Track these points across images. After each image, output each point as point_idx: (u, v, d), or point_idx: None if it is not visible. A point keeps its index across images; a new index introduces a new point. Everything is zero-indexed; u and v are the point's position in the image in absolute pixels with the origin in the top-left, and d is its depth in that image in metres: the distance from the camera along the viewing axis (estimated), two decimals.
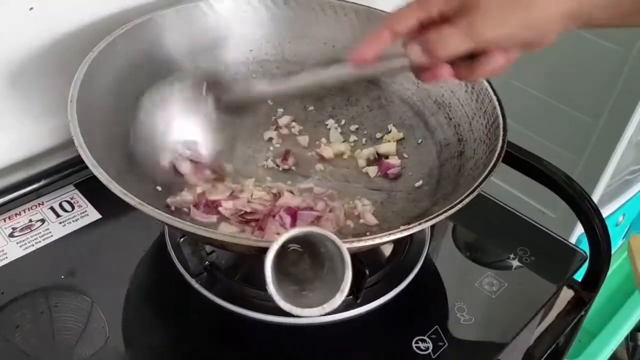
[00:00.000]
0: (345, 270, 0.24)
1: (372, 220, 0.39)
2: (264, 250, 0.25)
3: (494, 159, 0.35)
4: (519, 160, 0.48)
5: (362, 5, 0.48)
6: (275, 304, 0.34)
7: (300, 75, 0.32)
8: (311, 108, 0.49)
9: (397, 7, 0.30)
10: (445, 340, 0.36)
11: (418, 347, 0.36)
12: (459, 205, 0.31)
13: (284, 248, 0.25)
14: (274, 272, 0.24)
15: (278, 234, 0.33)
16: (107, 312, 0.36)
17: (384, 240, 0.29)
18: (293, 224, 0.37)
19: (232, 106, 0.38)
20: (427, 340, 0.36)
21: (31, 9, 0.40)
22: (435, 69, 0.29)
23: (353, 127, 0.48)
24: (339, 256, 0.25)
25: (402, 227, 0.30)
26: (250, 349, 0.36)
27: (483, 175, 0.34)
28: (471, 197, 0.32)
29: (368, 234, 0.38)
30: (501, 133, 0.38)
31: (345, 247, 0.24)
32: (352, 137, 0.47)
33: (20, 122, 0.44)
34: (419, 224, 0.30)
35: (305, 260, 0.29)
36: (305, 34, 0.48)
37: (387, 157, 0.46)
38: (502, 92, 0.41)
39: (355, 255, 0.26)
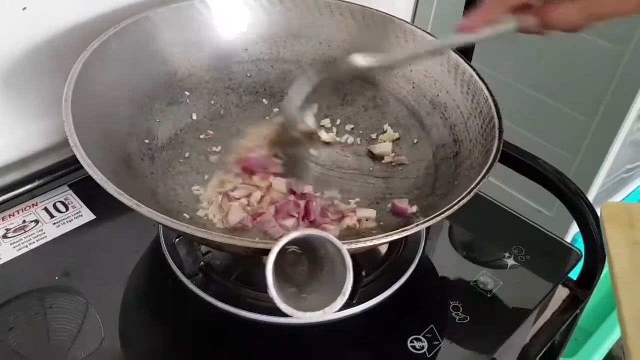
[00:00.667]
0: (346, 274, 0.24)
1: (370, 223, 0.39)
2: (261, 251, 0.25)
3: (490, 160, 0.35)
4: (515, 159, 0.48)
5: (358, 4, 0.48)
6: (271, 305, 0.34)
7: (405, 49, 0.35)
8: None
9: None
10: (440, 340, 0.36)
11: (413, 347, 0.36)
12: (456, 207, 0.31)
13: (282, 250, 0.25)
14: (274, 275, 0.24)
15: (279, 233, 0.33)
16: (102, 314, 0.36)
17: (382, 242, 0.29)
18: (306, 214, 0.37)
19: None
20: (423, 339, 0.36)
21: (24, 9, 0.40)
22: (543, 33, 0.32)
23: (349, 127, 0.48)
24: (339, 259, 0.25)
25: (399, 229, 0.30)
26: (246, 350, 0.36)
27: (480, 177, 0.34)
28: (468, 198, 0.32)
29: (364, 234, 0.38)
30: (497, 134, 0.38)
31: (346, 250, 0.24)
32: (348, 137, 0.47)
33: (14, 122, 0.44)
34: (417, 225, 0.30)
35: (304, 262, 0.29)
36: (301, 34, 0.48)
37: (382, 158, 0.45)
38: (497, 91, 0.41)
39: (352, 256, 0.26)
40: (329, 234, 0.25)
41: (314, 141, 0.41)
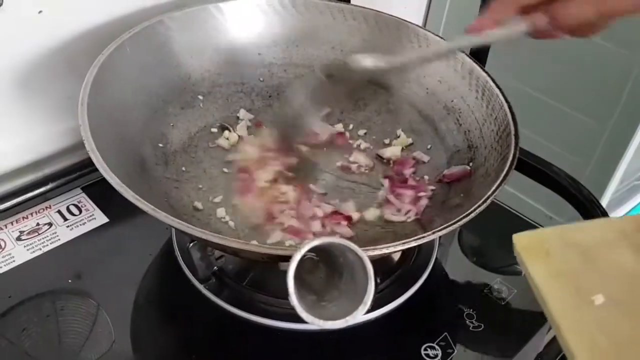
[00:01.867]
0: (368, 282, 0.24)
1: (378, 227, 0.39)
2: (279, 257, 0.25)
3: (507, 167, 0.35)
4: (528, 164, 0.48)
5: (370, 9, 0.48)
6: (283, 310, 0.34)
7: (413, 51, 0.34)
8: None
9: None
10: (454, 347, 0.36)
11: (427, 355, 0.35)
12: (473, 214, 0.31)
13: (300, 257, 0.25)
14: (295, 283, 0.24)
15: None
16: (113, 316, 0.36)
17: (399, 249, 0.29)
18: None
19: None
20: (436, 347, 0.36)
21: (40, 12, 0.40)
22: (555, 33, 0.31)
23: (361, 132, 0.48)
24: (360, 267, 0.24)
25: (415, 237, 0.30)
26: (258, 355, 0.35)
27: (496, 184, 0.33)
28: (485, 205, 0.32)
29: (377, 239, 0.38)
30: (513, 140, 0.37)
31: (368, 259, 0.24)
32: (361, 142, 0.47)
33: (28, 125, 0.44)
34: (434, 232, 0.30)
35: (321, 269, 0.29)
36: (313, 38, 0.48)
37: (390, 161, 0.45)
38: (509, 95, 0.41)
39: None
40: (350, 241, 0.25)
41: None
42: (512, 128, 0.38)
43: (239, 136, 0.46)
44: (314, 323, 0.24)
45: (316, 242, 0.24)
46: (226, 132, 0.46)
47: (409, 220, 0.40)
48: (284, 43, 0.48)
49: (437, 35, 0.46)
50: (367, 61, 0.33)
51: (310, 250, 0.24)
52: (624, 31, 0.61)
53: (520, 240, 0.25)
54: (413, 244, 0.29)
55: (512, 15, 0.31)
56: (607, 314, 0.22)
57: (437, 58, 0.39)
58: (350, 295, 0.25)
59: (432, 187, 0.42)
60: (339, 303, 0.26)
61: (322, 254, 0.27)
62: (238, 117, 0.47)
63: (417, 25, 0.47)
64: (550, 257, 0.24)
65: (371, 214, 0.41)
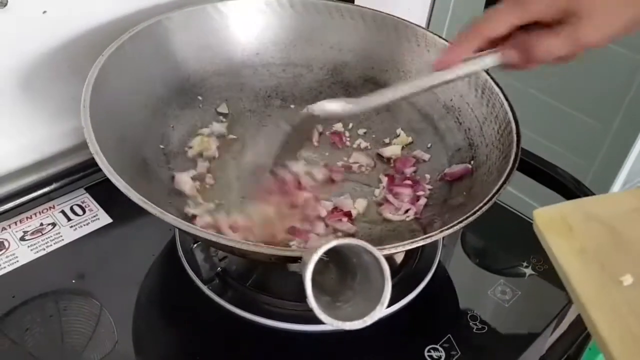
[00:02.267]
0: (384, 283, 0.24)
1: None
2: (286, 258, 0.25)
3: (509, 165, 0.35)
4: (531, 166, 0.48)
5: (368, 8, 0.48)
6: (286, 311, 0.33)
7: (381, 92, 0.32)
8: None
9: (488, 10, 0.29)
10: (457, 350, 0.36)
11: (430, 356, 0.35)
12: (478, 213, 0.31)
13: None
14: (313, 285, 0.24)
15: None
16: (116, 317, 0.36)
17: (406, 248, 0.29)
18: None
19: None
20: (440, 349, 0.36)
21: (44, 12, 0.40)
22: (526, 66, 0.30)
23: (361, 131, 0.48)
24: (376, 267, 0.24)
25: (423, 236, 0.30)
26: (261, 356, 0.35)
27: (500, 183, 0.33)
28: (489, 205, 0.32)
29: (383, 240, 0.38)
30: (515, 139, 0.37)
31: (384, 259, 0.24)
32: (361, 142, 0.47)
33: (32, 125, 0.44)
34: (441, 231, 0.30)
35: (331, 270, 0.29)
36: (311, 38, 0.49)
37: (390, 160, 0.45)
38: (512, 97, 0.41)
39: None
40: (365, 242, 0.25)
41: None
42: (514, 126, 0.38)
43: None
44: (332, 324, 0.24)
45: (334, 244, 0.24)
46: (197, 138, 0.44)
47: (407, 219, 0.40)
48: (283, 43, 0.48)
49: (436, 35, 0.46)
50: (332, 106, 0.32)
51: (326, 252, 0.24)
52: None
53: (541, 215, 0.23)
54: (421, 242, 0.29)
55: (479, 49, 0.30)
56: (638, 296, 0.21)
57: (405, 98, 0.34)
58: (365, 295, 0.25)
59: (430, 187, 0.42)
60: (354, 303, 0.26)
61: (333, 254, 0.27)
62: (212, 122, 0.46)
63: (416, 25, 0.47)
64: (573, 233, 0.23)
65: (370, 211, 0.40)
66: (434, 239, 0.30)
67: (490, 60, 0.30)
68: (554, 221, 0.23)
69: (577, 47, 0.28)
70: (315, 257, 0.24)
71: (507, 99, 0.40)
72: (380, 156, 0.46)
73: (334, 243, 0.24)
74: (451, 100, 0.45)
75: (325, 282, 0.28)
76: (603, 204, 0.24)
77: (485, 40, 0.29)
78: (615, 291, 0.21)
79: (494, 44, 0.30)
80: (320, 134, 0.48)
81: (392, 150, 0.45)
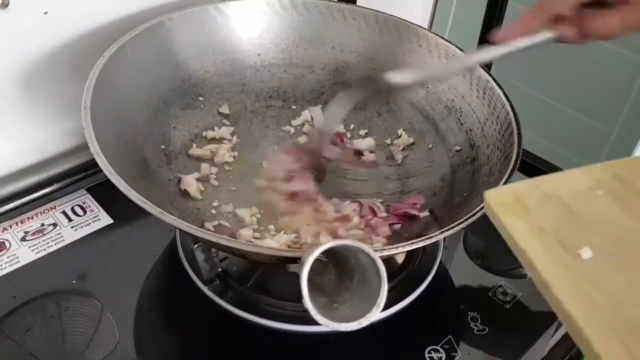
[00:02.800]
0: (381, 284, 0.24)
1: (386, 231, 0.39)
2: (286, 259, 0.25)
3: (510, 166, 0.35)
4: (534, 168, 0.48)
5: (370, 9, 0.48)
6: (287, 312, 0.33)
7: (439, 65, 0.33)
8: None
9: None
10: (458, 351, 0.36)
11: (431, 357, 0.35)
12: (479, 214, 0.31)
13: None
14: (308, 285, 0.24)
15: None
16: (117, 317, 0.36)
17: (406, 249, 0.29)
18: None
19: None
20: (440, 350, 0.36)
21: (46, 13, 0.40)
22: (580, 40, 0.31)
23: (362, 132, 0.48)
24: (372, 269, 0.24)
25: (421, 237, 0.29)
26: (262, 357, 0.35)
27: (501, 183, 0.33)
28: None
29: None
30: (516, 139, 0.37)
31: (380, 261, 0.24)
32: (362, 143, 0.47)
33: (33, 125, 0.45)
34: (442, 232, 0.30)
35: (330, 271, 0.28)
36: (313, 38, 0.49)
37: (362, 153, 0.45)
38: (514, 98, 0.41)
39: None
40: (362, 243, 0.24)
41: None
42: (515, 127, 0.38)
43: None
44: (327, 325, 0.24)
45: (329, 245, 0.24)
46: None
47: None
48: (284, 44, 0.48)
49: (438, 36, 0.46)
50: (399, 78, 0.33)
51: (321, 253, 0.24)
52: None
53: (494, 195, 0.23)
54: (421, 244, 0.29)
55: (543, 25, 0.31)
56: (598, 269, 0.21)
57: (465, 71, 0.37)
58: (362, 297, 0.25)
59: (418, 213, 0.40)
60: (351, 305, 0.26)
61: (332, 255, 0.27)
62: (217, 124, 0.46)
63: (418, 25, 0.47)
64: (528, 212, 0.22)
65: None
66: (434, 239, 0.30)
67: (546, 35, 0.31)
68: (508, 201, 0.23)
69: (632, 27, 0.29)
70: (311, 258, 0.24)
71: (508, 100, 0.40)
72: (357, 151, 0.45)
73: (330, 244, 0.24)
74: (453, 100, 0.45)
75: (325, 283, 0.28)
76: (557, 183, 0.24)
77: (550, 16, 0.31)
78: (575, 266, 0.21)
79: (556, 20, 0.31)
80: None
81: (366, 143, 0.45)
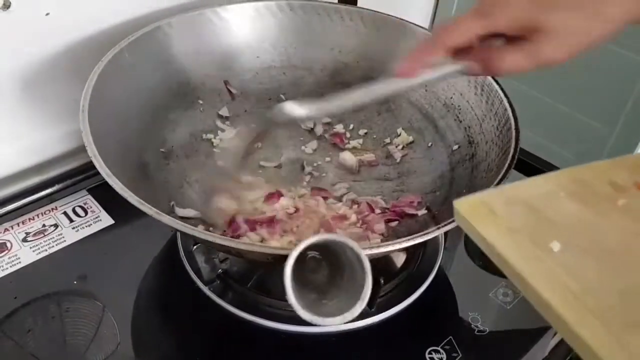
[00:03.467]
0: (365, 278, 0.24)
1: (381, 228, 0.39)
2: (282, 258, 0.25)
3: (508, 160, 0.35)
4: (532, 167, 0.48)
5: (367, 9, 0.48)
6: (287, 313, 0.33)
7: (345, 95, 0.32)
8: None
9: (452, 18, 0.29)
10: (459, 352, 0.35)
11: (431, 358, 0.35)
12: None
13: (302, 256, 0.25)
14: (293, 281, 0.24)
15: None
16: (118, 318, 0.36)
17: (398, 247, 0.29)
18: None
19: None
20: (441, 351, 0.35)
21: (47, 14, 0.40)
22: (487, 75, 0.31)
23: (362, 132, 0.48)
24: (358, 264, 0.24)
25: (415, 234, 0.29)
26: (262, 358, 0.35)
27: (498, 178, 0.33)
28: None
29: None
30: (513, 134, 0.37)
31: (364, 254, 0.24)
32: (362, 142, 0.47)
33: (34, 126, 0.45)
34: (438, 228, 0.30)
35: (324, 268, 0.29)
36: (311, 40, 0.49)
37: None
38: (515, 99, 0.40)
39: (370, 263, 0.26)
40: (348, 238, 0.24)
41: None
42: (512, 122, 0.38)
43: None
44: (311, 321, 0.24)
45: (314, 239, 0.24)
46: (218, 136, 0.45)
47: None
48: (282, 46, 0.49)
49: None
50: (297, 111, 0.32)
51: (311, 249, 0.24)
52: (631, 35, 0.61)
53: (462, 205, 0.24)
54: (418, 239, 0.29)
55: (441, 57, 0.30)
56: (570, 259, 0.22)
57: (373, 101, 0.33)
58: (349, 293, 0.25)
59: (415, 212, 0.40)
60: (338, 300, 0.26)
61: (326, 252, 0.27)
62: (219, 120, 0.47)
63: (416, 25, 0.47)
64: (497, 216, 0.24)
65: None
66: (431, 236, 0.29)
67: (451, 69, 0.30)
68: (476, 208, 0.24)
69: (538, 63, 0.28)
70: (294, 253, 0.24)
71: (506, 96, 0.40)
72: (384, 154, 0.46)
73: (315, 238, 0.24)
74: (451, 98, 0.45)
75: (318, 281, 0.28)
76: (521, 188, 0.25)
77: (447, 49, 0.29)
78: (548, 258, 0.22)
79: (457, 52, 0.29)
80: (320, 136, 0.48)
81: (349, 158, 0.45)
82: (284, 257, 0.25)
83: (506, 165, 0.34)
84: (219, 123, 0.47)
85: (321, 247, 0.25)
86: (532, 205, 0.24)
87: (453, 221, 0.30)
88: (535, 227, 0.23)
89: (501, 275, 0.44)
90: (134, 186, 0.30)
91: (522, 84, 0.69)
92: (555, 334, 0.43)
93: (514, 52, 0.28)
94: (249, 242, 0.28)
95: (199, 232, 0.29)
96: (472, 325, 0.37)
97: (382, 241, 0.38)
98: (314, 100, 0.32)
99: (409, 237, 0.29)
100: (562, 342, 0.44)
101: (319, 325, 0.24)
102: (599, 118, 0.68)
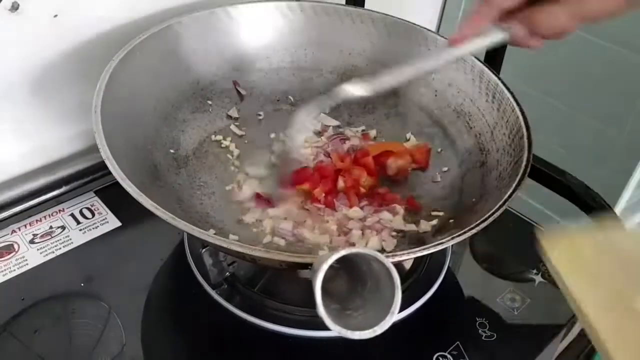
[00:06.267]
0: (395, 292, 0.24)
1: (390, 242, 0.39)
2: (298, 265, 0.25)
3: (521, 171, 0.35)
4: (540, 172, 0.47)
5: (378, 12, 0.48)
6: (294, 317, 0.33)
7: (397, 71, 0.34)
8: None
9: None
10: (466, 357, 0.35)
11: None
12: (489, 220, 0.31)
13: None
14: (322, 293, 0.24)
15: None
16: (124, 320, 0.36)
17: (416, 255, 0.29)
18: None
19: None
20: (448, 356, 0.35)
21: (55, 16, 0.40)
22: (530, 42, 0.31)
23: (371, 135, 0.48)
24: (386, 276, 0.24)
25: (433, 243, 0.29)
26: None
27: (511, 189, 0.33)
28: (501, 210, 0.31)
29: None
30: (526, 144, 0.37)
31: (394, 269, 0.24)
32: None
33: (42, 128, 0.45)
34: (452, 238, 0.29)
35: (342, 277, 0.28)
36: (321, 41, 0.48)
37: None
38: (522, 101, 0.40)
39: None
40: (375, 251, 0.24)
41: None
42: (525, 131, 0.38)
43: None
44: (341, 333, 0.24)
45: (343, 253, 0.24)
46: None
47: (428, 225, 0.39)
48: (293, 47, 0.48)
49: (446, 39, 0.45)
50: (356, 90, 0.34)
51: (337, 261, 0.24)
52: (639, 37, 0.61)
53: (548, 239, 0.24)
54: (432, 249, 0.29)
55: (493, 22, 0.31)
56: None
57: (424, 74, 0.37)
58: (375, 304, 0.25)
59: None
60: (364, 312, 0.25)
61: (343, 262, 0.27)
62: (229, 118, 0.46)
63: (426, 28, 0.47)
64: (584, 261, 0.23)
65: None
66: (444, 246, 0.29)
67: (497, 35, 0.31)
68: (562, 246, 0.24)
69: (580, 19, 0.29)
70: (325, 266, 0.24)
71: (518, 104, 0.40)
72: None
73: (344, 252, 0.24)
74: (461, 104, 0.44)
75: (335, 289, 0.27)
76: (613, 236, 0.25)
77: (501, 10, 0.30)
78: (628, 318, 0.21)
79: (505, 18, 0.31)
80: (330, 137, 0.48)
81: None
82: (299, 264, 0.25)
83: (519, 176, 0.34)
84: (228, 124, 0.47)
85: (340, 257, 0.25)
86: (624, 257, 0.23)
87: (468, 231, 0.30)
88: (623, 281, 0.22)
89: (509, 279, 0.44)
90: (145, 189, 0.30)
91: (528, 86, 0.69)
92: (562, 339, 0.43)
93: (560, 9, 0.28)
94: (264, 250, 0.28)
95: (212, 237, 0.28)
96: (480, 331, 0.37)
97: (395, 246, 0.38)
98: (369, 79, 0.33)
99: (424, 247, 0.29)
100: (569, 347, 0.44)
101: (349, 338, 0.24)
102: (607, 121, 0.68)
